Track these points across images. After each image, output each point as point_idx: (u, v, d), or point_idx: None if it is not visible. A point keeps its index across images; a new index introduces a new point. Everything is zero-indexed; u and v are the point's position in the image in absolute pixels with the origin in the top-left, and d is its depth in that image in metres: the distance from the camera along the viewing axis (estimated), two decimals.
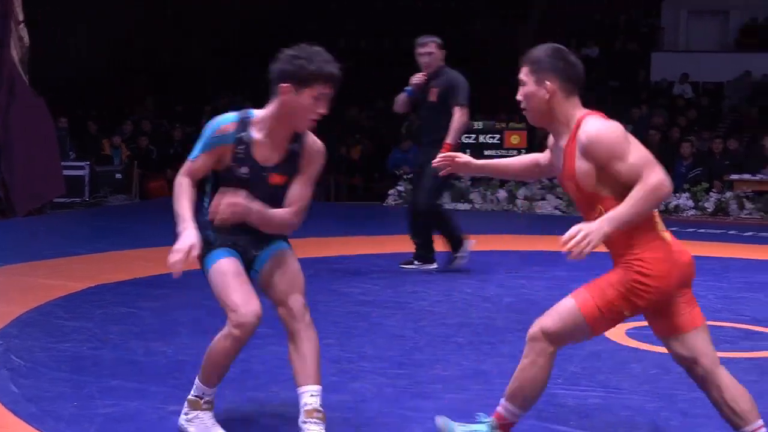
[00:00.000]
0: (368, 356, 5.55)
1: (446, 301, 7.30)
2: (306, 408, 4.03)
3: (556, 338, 3.76)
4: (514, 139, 15.07)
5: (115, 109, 18.67)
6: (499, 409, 3.94)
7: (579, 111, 3.81)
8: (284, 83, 3.96)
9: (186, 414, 4.21)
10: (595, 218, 3.59)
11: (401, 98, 8.55)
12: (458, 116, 8.12)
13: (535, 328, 3.80)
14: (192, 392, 4.22)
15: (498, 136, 15.14)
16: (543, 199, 14.58)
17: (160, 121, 18.38)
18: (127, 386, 4.84)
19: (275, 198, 4.09)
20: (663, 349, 5.87)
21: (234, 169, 4.07)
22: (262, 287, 4.25)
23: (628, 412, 4.61)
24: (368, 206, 15.16)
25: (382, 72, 20.10)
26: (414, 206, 8.63)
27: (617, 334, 6.15)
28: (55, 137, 12.33)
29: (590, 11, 22.56)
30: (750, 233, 12.34)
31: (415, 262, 8.68)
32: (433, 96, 8.28)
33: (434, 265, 8.69)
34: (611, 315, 3.74)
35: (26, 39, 11.47)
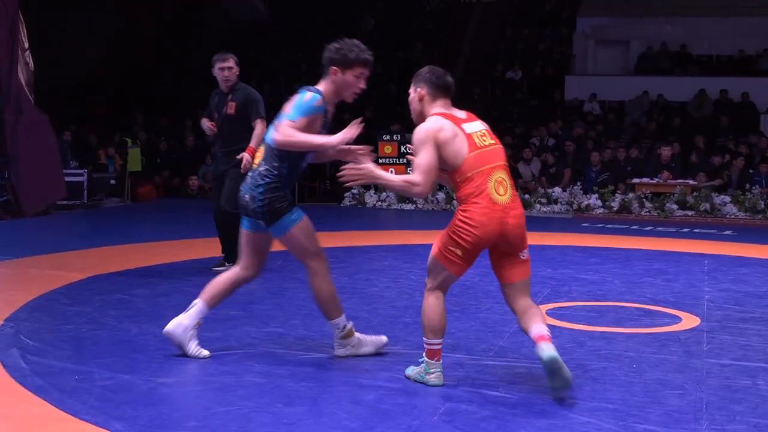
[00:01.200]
0: (329, 334, 5.53)
1: (394, 286, 7.30)
2: None
3: (431, 282, 4.46)
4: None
5: (109, 123, 18.47)
6: (426, 345, 4.43)
7: (435, 111, 4.42)
8: (333, 67, 4.71)
9: (350, 343, 4.93)
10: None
11: (205, 127, 7.87)
12: (261, 127, 7.63)
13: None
14: (338, 333, 4.91)
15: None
16: None
17: (148, 134, 18.18)
18: (121, 362, 4.80)
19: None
20: (577, 326, 5.93)
21: (320, 131, 4.73)
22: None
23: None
24: (327, 206, 15.10)
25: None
26: (217, 211, 7.89)
27: None
28: (57, 148, 12.18)
29: (514, 41, 22.69)
30: (649, 228, 12.46)
31: (226, 264, 7.84)
32: (231, 109, 7.74)
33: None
34: (451, 254, 4.34)
35: (31, 64, 11.32)
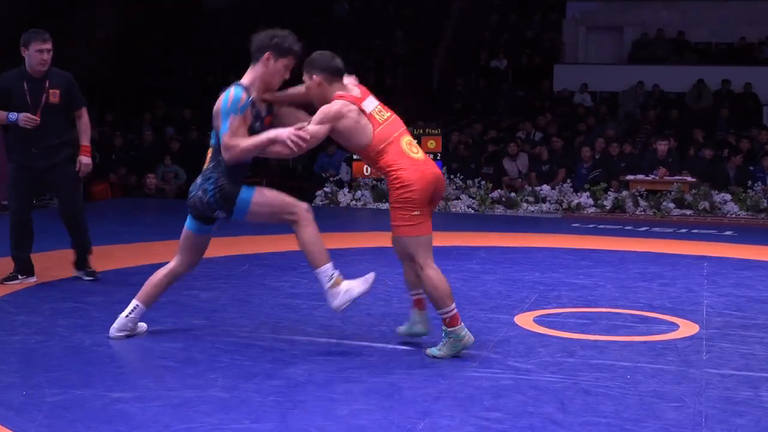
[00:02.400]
0: (299, 344, 5.54)
1: (370, 293, 7.28)
2: None
3: (420, 258, 5.21)
4: (431, 143, 15.17)
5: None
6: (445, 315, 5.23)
7: (337, 93, 5.08)
8: (268, 52, 5.11)
9: (341, 291, 5.17)
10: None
11: (26, 118, 7.17)
12: (87, 117, 7.42)
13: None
14: (326, 282, 5.16)
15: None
16: (458, 198, 14.64)
17: (101, 128, 18.08)
18: (73, 375, 4.77)
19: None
20: (567, 335, 5.96)
21: (252, 125, 5.08)
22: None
23: (535, 391, 4.66)
24: None
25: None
26: (66, 213, 7.68)
27: (526, 321, 6.22)
28: (3, 143, 12.10)
29: (499, 27, 22.76)
30: (644, 228, 12.52)
31: (19, 276, 7.51)
32: (54, 97, 7.26)
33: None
34: (413, 220, 5.09)
35: None
